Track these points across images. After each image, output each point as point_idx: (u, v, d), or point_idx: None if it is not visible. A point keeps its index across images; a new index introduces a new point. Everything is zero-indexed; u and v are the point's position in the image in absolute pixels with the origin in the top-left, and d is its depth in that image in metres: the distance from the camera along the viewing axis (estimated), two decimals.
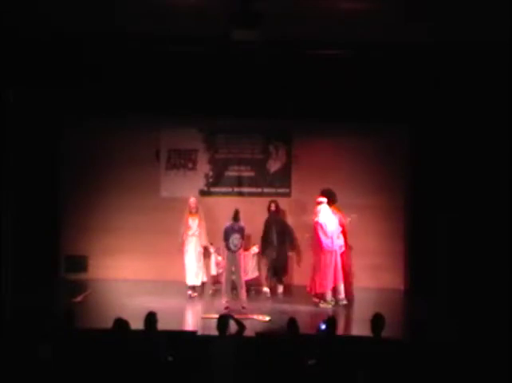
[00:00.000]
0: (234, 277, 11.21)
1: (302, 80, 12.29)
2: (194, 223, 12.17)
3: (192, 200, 12.33)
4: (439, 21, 10.23)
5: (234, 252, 11.15)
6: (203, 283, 12.23)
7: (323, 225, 11.71)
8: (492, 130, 11.43)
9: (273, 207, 12.63)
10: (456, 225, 12.06)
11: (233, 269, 11.16)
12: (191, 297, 11.91)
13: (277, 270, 12.61)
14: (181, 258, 12.10)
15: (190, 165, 13.78)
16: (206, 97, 12.46)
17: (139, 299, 11.32)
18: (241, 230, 11.18)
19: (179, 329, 9.41)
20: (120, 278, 13.15)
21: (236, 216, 11.25)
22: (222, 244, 11.53)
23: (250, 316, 10.65)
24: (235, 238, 11.11)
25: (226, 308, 10.88)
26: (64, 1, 9.89)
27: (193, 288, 12.02)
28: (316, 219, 11.79)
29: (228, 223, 11.27)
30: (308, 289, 11.98)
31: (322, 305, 11.65)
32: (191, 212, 12.20)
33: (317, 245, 11.71)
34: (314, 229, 11.76)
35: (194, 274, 12.03)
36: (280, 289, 12.62)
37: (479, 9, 9.54)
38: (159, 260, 13.25)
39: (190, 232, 12.13)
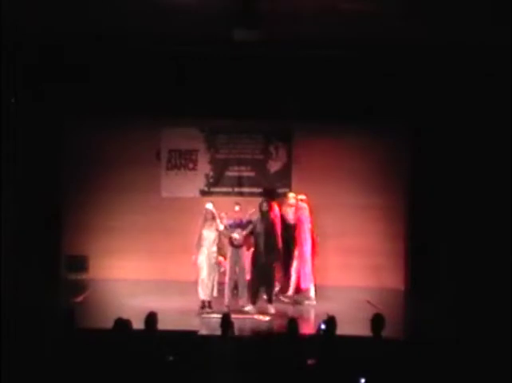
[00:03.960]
0: (236, 276, 11.19)
1: (303, 81, 12.32)
2: (210, 232, 10.95)
3: (209, 206, 11.03)
4: (439, 23, 10.25)
5: (236, 247, 11.13)
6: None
7: (306, 221, 11.89)
8: (492, 130, 11.44)
9: (264, 207, 11.16)
10: (456, 225, 12.07)
11: (236, 268, 11.13)
12: (202, 314, 10.74)
13: (264, 284, 11.11)
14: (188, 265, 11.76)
15: (190, 165, 13.80)
16: (206, 97, 12.48)
17: (140, 299, 11.32)
18: (242, 225, 11.16)
19: (180, 328, 9.40)
20: (120, 277, 13.16)
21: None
22: (223, 242, 11.52)
23: (250, 316, 10.66)
24: (237, 233, 11.10)
25: (227, 307, 10.88)
26: (64, 1, 9.92)
27: (206, 303, 10.90)
28: (307, 215, 11.88)
29: (229, 218, 11.27)
30: (294, 288, 11.91)
31: (307, 302, 11.74)
32: (206, 220, 10.97)
33: (304, 240, 11.77)
34: (302, 224, 11.83)
35: (210, 287, 10.90)
36: (271, 309, 10.98)
37: (480, 12, 9.56)
38: (159, 260, 13.27)
39: (205, 243, 10.93)
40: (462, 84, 11.71)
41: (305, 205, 12.00)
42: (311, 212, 12.13)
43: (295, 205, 12.17)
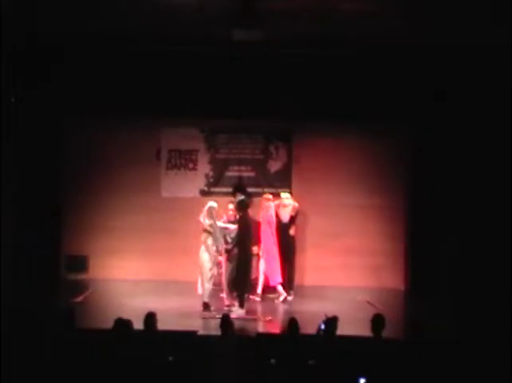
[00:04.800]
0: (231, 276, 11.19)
1: (303, 80, 12.32)
2: (214, 231, 10.89)
3: (214, 204, 10.93)
4: (439, 23, 10.26)
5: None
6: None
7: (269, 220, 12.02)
8: (492, 130, 11.45)
9: (241, 206, 11.04)
10: (456, 225, 12.08)
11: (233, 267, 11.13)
12: (204, 315, 10.59)
13: (236, 283, 11.04)
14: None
15: (190, 165, 13.79)
16: (206, 97, 12.49)
17: (140, 299, 11.31)
18: (234, 223, 11.15)
19: (180, 329, 9.40)
20: (120, 278, 13.15)
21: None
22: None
23: (250, 316, 10.65)
24: (232, 232, 11.09)
25: (228, 306, 10.89)
26: (64, 1, 9.93)
27: (208, 304, 10.78)
28: (270, 213, 11.99)
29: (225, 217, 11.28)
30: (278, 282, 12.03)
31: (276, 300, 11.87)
32: (211, 218, 10.83)
33: (267, 238, 11.85)
34: (264, 222, 11.90)
35: (211, 288, 10.89)
36: (239, 312, 10.62)
37: (480, 12, 9.57)
38: (159, 260, 13.27)
39: (209, 243, 10.84)
40: (462, 84, 11.71)
41: (269, 204, 12.05)
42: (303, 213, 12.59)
43: (289, 205, 12.34)
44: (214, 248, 10.82)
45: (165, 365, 7.54)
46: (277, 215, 12.31)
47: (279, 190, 13.37)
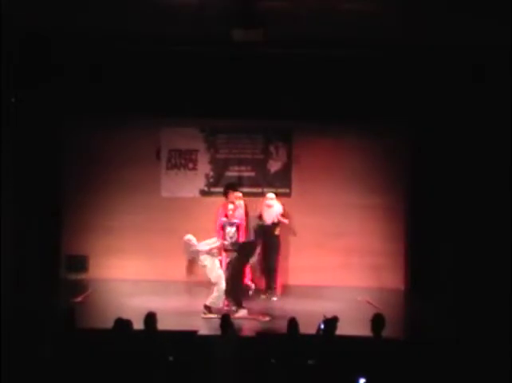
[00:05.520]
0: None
1: (303, 81, 12.32)
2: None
3: (191, 237, 10.80)
4: (439, 23, 10.26)
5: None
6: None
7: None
8: (492, 130, 11.46)
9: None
10: (456, 225, 12.08)
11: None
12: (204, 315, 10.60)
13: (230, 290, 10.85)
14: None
15: (190, 165, 13.79)
16: (206, 97, 12.48)
17: (140, 299, 11.32)
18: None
19: (180, 329, 9.40)
20: (120, 277, 13.15)
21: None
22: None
23: (250, 316, 10.65)
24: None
25: (228, 306, 10.88)
26: (64, 1, 9.93)
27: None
28: (241, 212, 11.92)
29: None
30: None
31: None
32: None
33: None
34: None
35: None
36: (242, 312, 10.68)
37: (480, 12, 9.57)
38: (159, 260, 13.26)
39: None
40: (462, 84, 11.71)
41: (239, 203, 12.01)
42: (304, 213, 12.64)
43: (273, 205, 12.29)
44: (216, 263, 10.80)
45: (165, 365, 7.54)
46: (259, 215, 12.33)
47: (279, 190, 13.39)
